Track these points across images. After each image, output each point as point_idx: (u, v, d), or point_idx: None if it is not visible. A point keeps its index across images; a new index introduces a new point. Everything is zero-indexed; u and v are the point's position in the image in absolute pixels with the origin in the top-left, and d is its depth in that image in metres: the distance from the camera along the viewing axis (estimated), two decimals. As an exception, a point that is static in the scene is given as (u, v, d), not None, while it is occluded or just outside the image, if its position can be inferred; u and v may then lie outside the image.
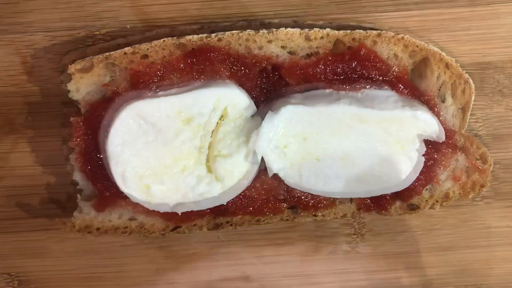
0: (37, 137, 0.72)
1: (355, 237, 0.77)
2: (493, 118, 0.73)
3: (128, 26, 0.68)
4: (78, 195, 0.69)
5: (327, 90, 0.64)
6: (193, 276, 0.77)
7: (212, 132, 0.65)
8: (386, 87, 0.65)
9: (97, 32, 0.68)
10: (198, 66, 0.64)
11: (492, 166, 0.71)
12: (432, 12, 0.69)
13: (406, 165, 0.67)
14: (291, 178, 0.67)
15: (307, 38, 0.65)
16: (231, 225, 0.70)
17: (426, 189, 0.71)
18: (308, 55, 0.66)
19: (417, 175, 0.68)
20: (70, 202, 0.73)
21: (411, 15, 0.69)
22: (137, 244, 0.76)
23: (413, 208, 0.72)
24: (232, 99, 0.63)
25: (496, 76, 0.71)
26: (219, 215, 0.70)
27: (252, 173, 0.67)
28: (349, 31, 0.65)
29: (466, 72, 0.68)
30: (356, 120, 0.64)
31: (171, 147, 0.64)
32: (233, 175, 0.66)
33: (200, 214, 0.69)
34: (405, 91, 0.66)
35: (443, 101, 0.68)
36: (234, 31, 0.64)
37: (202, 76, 0.64)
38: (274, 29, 0.64)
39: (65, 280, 0.76)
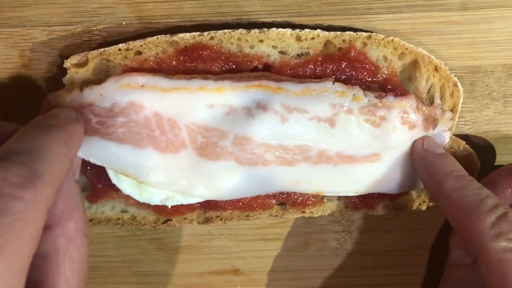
0: (34, 129, 0.73)
1: (343, 234, 0.78)
2: (482, 121, 0.74)
3: (124, 23, 0.69)
4: (73, 187, 0.70)
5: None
6: (183, 268, 0.79)
7: None
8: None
9: (94, 28, 0.69)
10: (190, 64, 0.65)
11: (479, 169, 0.71)
12: (423, 15, 0.69)
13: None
14: None
15: (298, 39, 0.66)
16: (221, 219, 0.72)
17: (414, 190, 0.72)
18: (299, 55, 0.66)
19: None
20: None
21: (402, 17, 0.69)
22: (129, 235, 0.78)
23: (400, 207, 0.73)
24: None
25: (485, 79, 0.72)
26: (209, 209, 0.71)
27: None
28: (339, 32, 0.65)
29: (456, 75, 0.68)
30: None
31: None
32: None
33: (190, 208, 0.71)
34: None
35: (432, 103, 0.69)
36: (226, 30, 0.65)
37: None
38: (266, 29, 0.65)
39: (59, 269, 0.78)
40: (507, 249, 0.55)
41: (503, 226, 0.56)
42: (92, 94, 0.63)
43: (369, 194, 0.71)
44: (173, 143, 0.64)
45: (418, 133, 0.66)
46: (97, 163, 0.64)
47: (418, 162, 0.67)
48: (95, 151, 0.63)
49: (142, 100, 0.63)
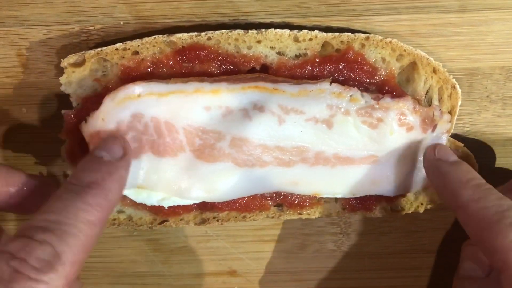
0: (31, 128, 0.73)
1: (341, 236, 0.78)
2: (480, 123, 0.73)
3: (121, 23, 0.69)
4: (69, 187, 0.70)
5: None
6: (180, 269, 0.79)
7: None
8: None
9: (91, 28, 0.69)
10: (188, 64, 0.65)
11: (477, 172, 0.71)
12: (421, 17, 0.69)
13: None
14: None
15: (296, 40, 0.66)
16: (217, 220, 0.71)
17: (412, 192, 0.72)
18: (297, 56, 0.66)
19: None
20: (62, 193, 0.74)
21: (400, 19, 0.69)
22: (126, 235, 0.77)
23: (398, 210, 0.72)
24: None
25: (484, 82, 0.72)
26: (206, 210, 0.71)
27: None
28: (337, 33, 0.65)
29: (454, 78, 0.68)
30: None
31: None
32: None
33: (187, 208, 0.70)
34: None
35: (430, 105, 0.69)
36: (223, 31, 0.65)
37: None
38: (263, 30, 0.65)
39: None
40: None
41: None
42: (95, 121, 0.63)
43: (366, 196, 0.71)
44: (171, 147, 0.64)
45: (416, 135, 0.66)
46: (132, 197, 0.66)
47: (431, 171, 0.64)
48: None
49: (141, 108, 0.62)
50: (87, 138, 0.64)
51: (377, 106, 0.64)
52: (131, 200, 0.69)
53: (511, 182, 0.68)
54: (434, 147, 0.65)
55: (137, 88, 0.62)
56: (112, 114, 0.62)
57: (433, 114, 0.66)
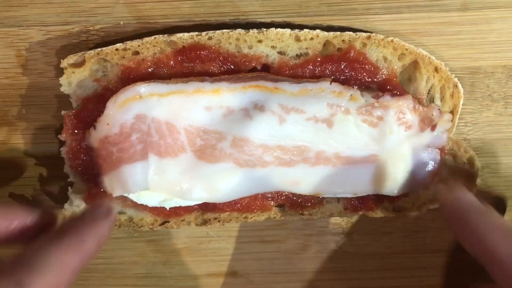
0: (31, 129, 0.73)
1: (342, 236, 0.77)
2: (482, 122, 0.73)
3: (121, 23, 0.69)
4: (69, 188, 0.69)
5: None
6: (181, 270, 0.78)
7: None
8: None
9: (91, 28, 0.69)
10: (188, 64, 0.65)
11: (479, 171, 0.70)
12: (423, 15, 0.69)
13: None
14: None
15: (297, 39, 0.65)
16: (219, 221, 0.71)
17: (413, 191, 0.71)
18: (298, 56, 0.66)
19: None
20: (62, 194, 0.73)
21: (402, 18, 0.69)
22: (127, 237, 0.77)
23: (400, 209, 0.72)
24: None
25: (486, 81, 0.71)
26: (207, 211, 0.71)
27: None
28: (338, 32, 0.65)
29: (456, 76, 0.68)
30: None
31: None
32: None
33: (188, 209, 0.70)
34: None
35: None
36: (224, 30, 0.64)
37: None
38: (264, 29, 0.65)
39: (55, 270, 0.77)
40: None
41: None
42: (102, 127, 0.63)
43: (368, 196, 0.70)
44: (173, 147, 0.63)
45: (415, 133, 0.66)
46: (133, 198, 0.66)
47: (454, 219, 0.59)
48: (129, 180, 0.63)
49: (143, 109, 0.62)
50: (95, 144, 0.64)
51: (377, 105, 0.64)
52: (132, 201, 0.68)
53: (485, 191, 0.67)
54: (452, 189, 0.61)
55: (138, 89, 0.62)
56: (115, 118, 0.62)
57: (432, 114, 0.66)
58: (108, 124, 0.62)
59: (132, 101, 0.62)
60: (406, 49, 0.66)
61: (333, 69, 0.65)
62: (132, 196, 0.67)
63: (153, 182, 0.64)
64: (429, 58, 0.66)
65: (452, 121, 0.69)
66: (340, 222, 0.77)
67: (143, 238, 0.77)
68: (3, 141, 0.73)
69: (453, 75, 0.67)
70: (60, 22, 0.69)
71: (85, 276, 0.78)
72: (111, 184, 0.63)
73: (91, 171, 0.67)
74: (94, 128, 0.64)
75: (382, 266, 0.78)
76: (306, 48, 0.65)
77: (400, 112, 0.64)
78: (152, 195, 0.66)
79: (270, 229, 0.77)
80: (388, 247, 0.78)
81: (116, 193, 0.63)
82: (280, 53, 0.66)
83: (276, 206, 0.72)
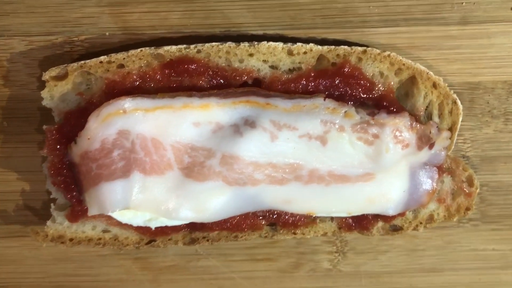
0: (12, 143, 0.71)
1: (337, 255, 0.76)
2: (481, 139, 0.71)
3: (107, 34, 0.67)
4: (52, 205, 0.67)
5: None
6: (169, 289, 0.76)
7: None
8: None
9: (75, 38, 0.67)
10: (176, 78, 0.62)
11: (478, 189, 0.69)
12: (421, 29, 0.67)
13: None
14: None
15: (290, 53, 0.64)
16: (207, 240, 0.69)
17: (410, 210, 0.69)
18: (291, 70, 0.64)
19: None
20: (45, 209, 0.71)
21: (399, 31, 0.67)
22: (113, 254, 0.75)
23: (396, 229, 0.70)
24: None
25: (485, 97, 0.70)
26: (196, 230, 0.69)
27: None
28: (333, 46, 0.63)
29: (455, 92, 0.66)
30: None
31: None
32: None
33: (175, 228, 0.68)
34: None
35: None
36: (214, 43, 0.63)
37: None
38: (256, 42, 0.63)
39: (39, 288, 0.75)
40: None
41: None
42: (83, 141, 0.61)
43: (363, 215, 0.69)
44: (159, 165, 0.61)
45: (412, 152, 0.64)
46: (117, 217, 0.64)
47: None
48: (107, 199, 0.60)
49: (127, 124, 0.60)
50: (76, 159, 0.62)
51: (373, 122, 0.62)
52: (117, 220, 0.66)
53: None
54: None
55: (122, 103, 0.60)
56: (97, 132, 0.60)
57: (430, 132, 0.64)
58: (89, 138, 0.60)
59: (115, 116, 0.60)
60: (404, 64, 0.64)
61: (327, 84, 0.63)
62: (116, 215, 0.64)
63: (138, 201, 0.62)
64: (427, 73, 0.65)
65: (450, 138, 0.67)
66: (334, 240, 0.76)
67: (130, 255, 0.75)
68: (-17, 155, 0.71)
69: (452, 91, 0.66)
70: (43, 32, 0.67)
71: (70, 294, 0.76)
72: (90, 202, 0.61)
73: (74, 188, 0.65)
74: (75, 142, 0.61)
75: (378, 286, 0.77)
76: (299, 63, 0.64)
77: (396, 130, 0.62)
78: (136, 214, 0.64)
79: (262, 247, 0.76)
80: (384, 266, 0.76)
81: (91, 212, 0.61)
82: (272, 67, 0.64)
83: (267, 225, 0.69)
